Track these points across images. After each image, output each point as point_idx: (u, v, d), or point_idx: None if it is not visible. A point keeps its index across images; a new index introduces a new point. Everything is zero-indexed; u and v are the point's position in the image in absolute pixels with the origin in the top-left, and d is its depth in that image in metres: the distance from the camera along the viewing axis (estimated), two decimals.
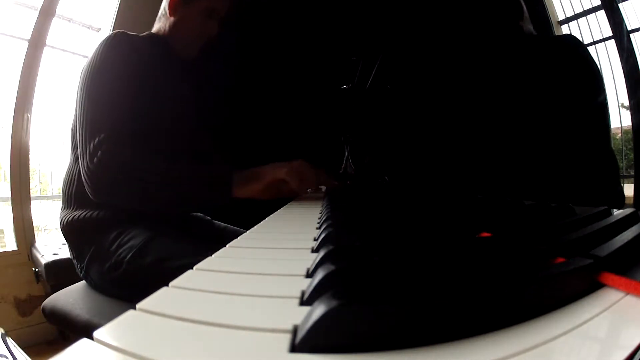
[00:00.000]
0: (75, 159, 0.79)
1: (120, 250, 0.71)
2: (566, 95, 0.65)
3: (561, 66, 0.67)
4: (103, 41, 0.76)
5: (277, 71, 1.80)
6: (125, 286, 0.71)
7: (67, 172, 0.82)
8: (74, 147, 0.80)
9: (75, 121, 0.79)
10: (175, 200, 0.71)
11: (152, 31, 0.89)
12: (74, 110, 0.79)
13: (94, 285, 0.77)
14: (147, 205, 0.72)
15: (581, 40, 0.72)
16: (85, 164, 0.67)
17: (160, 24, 0.88)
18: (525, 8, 0.74)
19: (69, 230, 0.78)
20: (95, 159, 0.66)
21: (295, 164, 0.77)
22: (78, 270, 0.79)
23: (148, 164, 0.68)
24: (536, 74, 0.70)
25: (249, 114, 1.77)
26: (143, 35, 0.85)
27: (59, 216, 0.81)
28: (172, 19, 0.85)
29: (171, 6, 0.84)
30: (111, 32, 0.77)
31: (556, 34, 0.85)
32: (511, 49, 0.74)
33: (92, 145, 0.67)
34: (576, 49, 0.67)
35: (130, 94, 0.73)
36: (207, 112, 1.07)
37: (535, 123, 0.68)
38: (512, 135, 0.71)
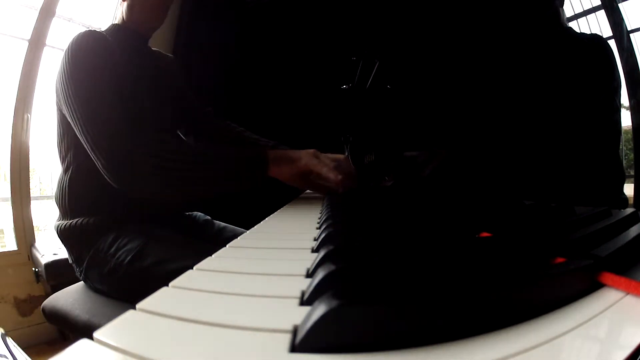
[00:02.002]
0: (64, 171, 0.79)
1: (119, 253, 0.71)
2: (585, 97, 0.64)
3: (588, 66, 0.64)
4: (67, 49, 0.74)
5: (277, 71, 1.80)
6: (126, 289, 0.70)
7: (58, 184, 0.81)
8: (62, 159, 0.79)
9: (59, 132, 0.78)
10: (212, 181, 0.68)
11: (114, 22, 0.88)
12: (57, 122, 0.78)
13: (94, 288, 0.77)
14: (183, 190, 0.69)
15: (607, 43, 0.69)
16: (103, 168, 0.65)
17: (118, 13, 0.87)
18: None
19: (66, 235, 0.77)
20: (118, 153, 0.64)
21: (337, 162, 0.74)
22: (77, 274, 0.79)
23: (176, 148, 0.66)
24: (556, 71, 0.67)
25: (249, 114, 1.77)
26: (106, 29, 0.84)
27: (54, 223, 0.81)
28: (126, 3, 0.84)
29: None
30: (74, 36, 0.75)
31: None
32: (535, 39, 0.70)
33: (101, 148, 0.65)
34: (604, 53, 0.65)
35: (115, 87, 0.71)
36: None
37: (548, 122, 0.66)
38: (519, 134, 0.70)
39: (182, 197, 0.76)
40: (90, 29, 0.80)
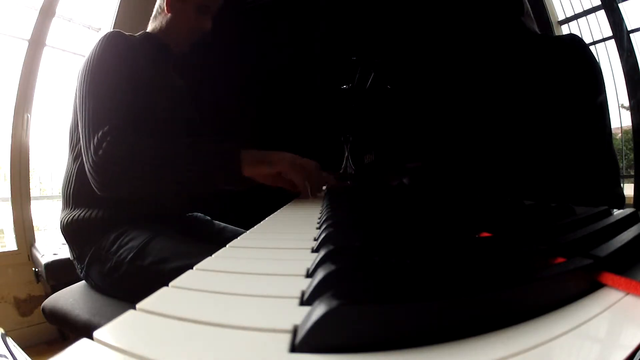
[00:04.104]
0: (74, 159, 0.80)
1: (121, 251, 0.71)
2: (567, 95, 0.65)
3: (564, 66, 0.66)
4: (99, 40, 0.77)
5: (276, 71, 1.80)
6: (126, 287, 0.71)
7: (66, 173, 0.82)
8: (73, 147, 0.81)
9: (74, 119, 0.79)
10: (185, 179, 0.69)
11: (148, 30, 0.92)
12: (73, 110, 0.80)
13: (94, 286, 0.77)
14: (157, 188, 0.71)
15: (583, 40, 0.71)
16: (90, 158, 0.68)
17: (156, 22, 0.91)
18: (527, 5, 0.74)
19: (69, 231, 0.78)
20: (100, 151, 0.66)
21: (310, 167, 0.76)
22: (78, 271, 0.80)
23: (154, 146, 0.68)
24: (538, 73, 0.69)
25: (249, 114, 1.77)
26: (138, 35, 0.88)
27: (59, 217, 0.82)
28: (168, 15, 0.88)
29: (168, 2, 0.87)
30: (107, 32, 0.79)
31: (556, 34, 0.84)
32: (512, 45, 0.74)
33: (96, 138, 0.67)
34: (579, 49, 0.67)
35: (128, 90, 0.74)
36: (206, 109, 1.08)
37: (536, 122, 0.68)
38: (512, 134, 0.71)
39: (155, 191, 0.77)
40: (122, 31, 0.82)
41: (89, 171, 0.68)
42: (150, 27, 0.92)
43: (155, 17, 0.91)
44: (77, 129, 0.78)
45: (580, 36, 0.72)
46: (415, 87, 1.01)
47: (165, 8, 0.88)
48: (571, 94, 0.65)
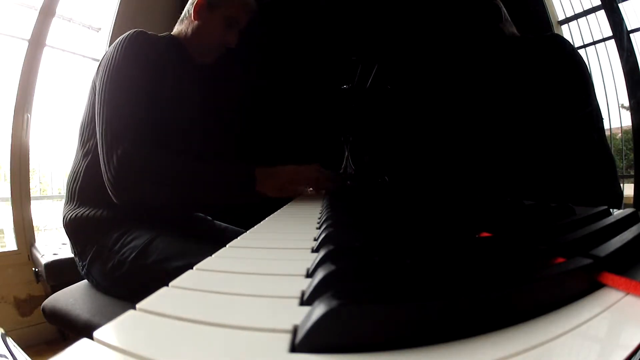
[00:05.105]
0: (84, 155, 0.80)
1: (124, 250, 0.71)
2: (552, 94, 0.66)
3: (547, 65, 0.67)
4: (123, 39, 0.76)
5: (277, 71, 1.80)
6: (128, 286, 0.71)
7: (73, 168, 0.82)
8: (84, 143, 0.80)
9: (87, 115, 0.79)
10: (200, 195, 0.73)
11: (172, 33, 0.90)
12: (87, 105, 0.79)
13: (95, 284, 0.77)
14: (172, 201, 0.74)
15: (567, 38, 0.73)
16: (109, 165, 0.68)
17: (182, 27, 0.89)
18: (504, 10, 0.75)
19: (72, 227, 0.78)
20: (120, 159, 0.67)
21: (310, 171, 0.82)
22: (80, 268, 0.80)
23: (172, 159, 0.71)
24: (524, 75, 0.70)
25: (249, 114, 1.77)
26: (162, 36, 0.86)
27: (62, 212, 0.81)
28: (195, 22, 0.86)
29: (196, 9, 0.85)
30: (131, 31, 0.78)
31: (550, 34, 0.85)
32: (495, 51, 0.75)
33: (115, 146, 0.68)
34: (561, 47, 0.68)
35: (147, 95, 0.74)
36: (214, 114, 1.09)
37: (530, 122, 0.68)
38: (503, 135, 0.71)
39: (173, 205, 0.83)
40: (145, 31, 0.82)
41: (107, 177, 0.69)
42: (175, 30, 0.90)
43: (182, 20, 0.89)
44: (91, 125, 0.78)
45: (561, 35, 0.73)
46: (415, 90, 1.01)
47: (193, 15, 0.85)
48: (555, 91, 0.66)
